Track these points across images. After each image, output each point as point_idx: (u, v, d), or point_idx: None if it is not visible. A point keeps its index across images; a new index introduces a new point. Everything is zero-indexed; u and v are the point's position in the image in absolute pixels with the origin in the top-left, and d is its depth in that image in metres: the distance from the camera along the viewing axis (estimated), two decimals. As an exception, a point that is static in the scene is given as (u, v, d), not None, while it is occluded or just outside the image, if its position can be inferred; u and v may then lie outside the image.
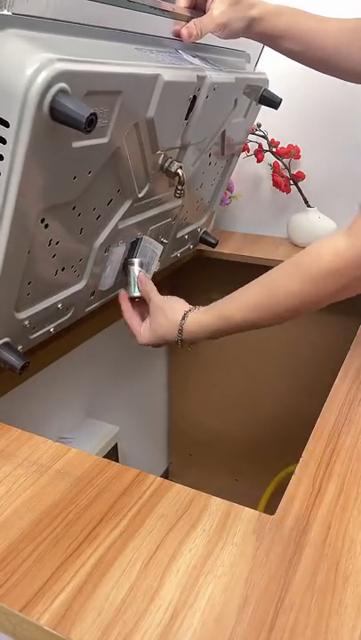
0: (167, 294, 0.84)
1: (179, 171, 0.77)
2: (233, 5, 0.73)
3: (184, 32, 0.72)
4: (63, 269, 0.70)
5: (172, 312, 0.79)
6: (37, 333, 0.72)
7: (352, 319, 0.97)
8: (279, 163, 1.24)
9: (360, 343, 0.83)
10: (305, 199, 1.24)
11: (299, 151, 1.25)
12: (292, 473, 0.56)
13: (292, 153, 1.24)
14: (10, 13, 0.48)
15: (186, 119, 0.76)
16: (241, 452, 1.53)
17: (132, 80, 0.59)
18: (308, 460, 0.58)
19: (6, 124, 0.48)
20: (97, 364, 1.20)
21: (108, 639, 0.40)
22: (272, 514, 0.51)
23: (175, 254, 1.07)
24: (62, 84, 0.48)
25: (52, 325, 0.75)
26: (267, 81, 0.95)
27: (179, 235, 1.02)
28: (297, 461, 0.58)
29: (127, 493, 0.53)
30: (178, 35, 0.73)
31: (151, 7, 0.66)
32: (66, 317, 0.78)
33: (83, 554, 0.46)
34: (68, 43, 0.54)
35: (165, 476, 1.68)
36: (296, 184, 1.24)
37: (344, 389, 0.70)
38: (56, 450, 0.59)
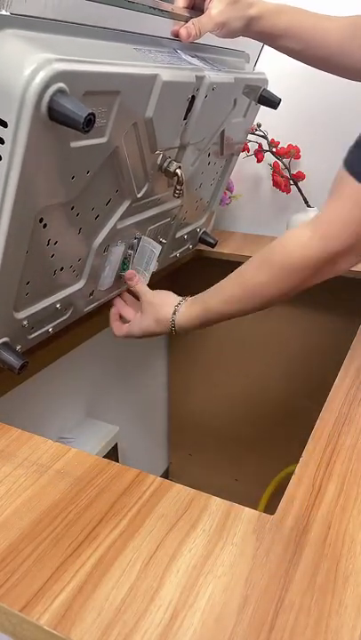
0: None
1: (178, 171, 0.77)
2: (231, 4, 0.73)
3: (183, 32, 0.72)
4: (62, 269, 0.70)
5: (162, 307, 0.83)
6: (36, 333, 0.72)
7: (352, 319, 0.97)
8: (279, 163, 1.24)
9: (360, 343, 0.83)
10: (305, 199, 1.24)
11: (299, 151, 1.25)
12: (292, 473, 0.56)
13: (292, 153, 1.24)
14: (8, 13, 0.48)
15: (185, 119, 0.76)
16: (241, 452, 1.53)
17: (130, 80, 0.59)
18: (308, 460, 0.58)
19: (4, 124, 0.48)
20: (97, 363, 1.20)
21: (108, 639, 0.40)
22: (272, 514, 0.51)
23: (174, 254, 1.07)
24: (60, 84, 0.48)
25: (51, 325, 0.75)
26: (266, 81, 0.95)
27: (178, 235, 1.02)
28: (297, 461, 0.57)
29: (127, 493, 0.53)
30: (176, 35, 0.73)
31: (150, 7, 0.66)
32: (65, 317, 0.77)
33: (83, 554, 0.46)
34: (66, 43, 0.54)
35: (165, 476, 1.68)
36: (296, 184, 1.24)
37: (344, 389, 0.70)
38: (56, 450, 0.59)
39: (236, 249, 1.25)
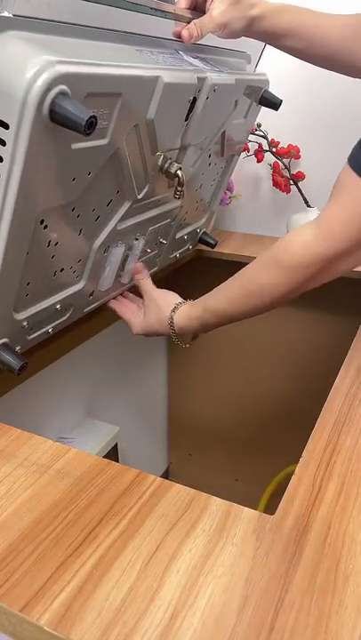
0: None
1: (178, 172, 0.77)
2: (233, 5, 0.73)
3: (185, 33, 0.72)
4: (62, 270, 0.70)
5: (164, 306, 0.83)
6: (36, 334, 0.72)
7: (352, 319, 0.97)
8: (279, 163, 1.24)
9: (360, 343, 0.83)
10: (305, 199, 1.24)
11: (299, 151, 1.25)
12: (292, 473, 0.56)
13: (292, 153, 1.24)
14: (11, 15, 0.48)
15: (186, 120, 0.76)
16: (241, 452, 1.53)
17: (132, 82, 0.59)
18: (308, 460, 0.58)
19: (6, 126, 0.48)
20: (97, 364, 1.20)
21: (108, 639, 0.40)
22: (272, 514, 0.51)
23: (174, 255, 1.07)
24: (62, 87, 0.48)
25: (51, 326, 0.75)
26: (267, 82, 0.95)
27: (178, 235, 1.02)
28: (297, 461, 0.58)
29: (127, 493, 0.53)
30: (178, 36, 0.73)
31: (151, 8, 0.66)
32: (64, 318, 0.78)
33: (83, 554, 0.46)
34: (68, 44, 0.54)
35: (165, 476, 1.68)
36: (296, 184, 1.24)
37: (344, 389, 0.70)
38: (56, 450, 0.59)
39: (236, 249, 1.25)
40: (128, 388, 1.39)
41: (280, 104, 0.96)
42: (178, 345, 0.85)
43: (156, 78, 0.63)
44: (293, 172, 1.25)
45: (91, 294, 0.82)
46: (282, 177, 1.25)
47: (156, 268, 1.01)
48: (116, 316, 0.91)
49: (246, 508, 0.52)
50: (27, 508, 0.51)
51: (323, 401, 0.68)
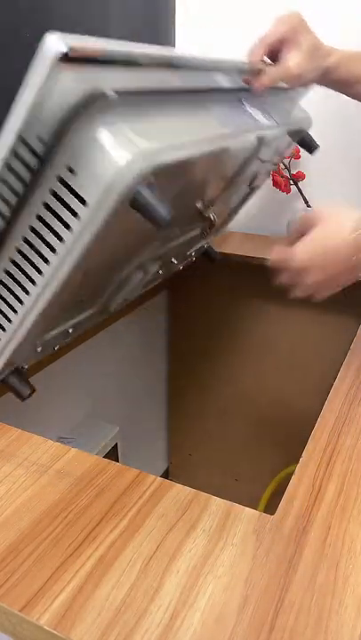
0: (167, 294, 0.84)
1: (212, 215, 0.75)
2: (310, 56, 0.70)
3: (256, 85, 0.68)
4: (82, 301, 0.70)
5: (341, 225, 0.64)
6: (44, 353, 0.72)
7: (352, 319, 0.97)
8: (279, 163, 1.24)
9: (360, 343, 0.83)
10: (305, 199, 1.24)
11: (299, 151, 1.25)
12: (292, 473, 0.56)
13: (292, 153, 1.24)
14: (115, 95, 0.44)
15: (236, 174, 0.74)
16: (241, 451, 1.53)
17: (205, 158, 0.57)
18: (308, 460, 0.58)
19: (84, 202, 0.47)
20: (97, 363, 1.20)
21: (108, 639, 0.40)
22: (272, 514, 0.51)
23: (178, 265, 1.06)
24: (150, 178, 0.46)
25: (58, 344, 0.75)
26: (310, 123, 0.91)
27: (187, 253, 1.02)
28: (297, 461, 0.58)
29: (127, 493, 0.53)
30: (248, 82, 0.68)
31: (233, 68, 0.63)
32: (71, 337, 0.78)
33: (83, 554, 0.46)
34: (150, 119, 0.51)
35: (165, 476, 1.68)
36: (296, 184, 1.24)
37: (344, 389, 0.70)
38: (56, 450, 0.59)
39: (235, 249, 1.25)
40: (128, 388, 1.39)
41: (316, 149, 0.89)
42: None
43: (224, 149, 0.61)
44: (293, 172, 1.25)
45: (100, 313, 0.82)
46: (282, 177, 1.25)
47: (157, 281, 1.01)
48: (115, 317, 0.90)
49: (246, 508, 0.52)
50: (27, 508, 0.51)
51: (323, 401, 0.68)
